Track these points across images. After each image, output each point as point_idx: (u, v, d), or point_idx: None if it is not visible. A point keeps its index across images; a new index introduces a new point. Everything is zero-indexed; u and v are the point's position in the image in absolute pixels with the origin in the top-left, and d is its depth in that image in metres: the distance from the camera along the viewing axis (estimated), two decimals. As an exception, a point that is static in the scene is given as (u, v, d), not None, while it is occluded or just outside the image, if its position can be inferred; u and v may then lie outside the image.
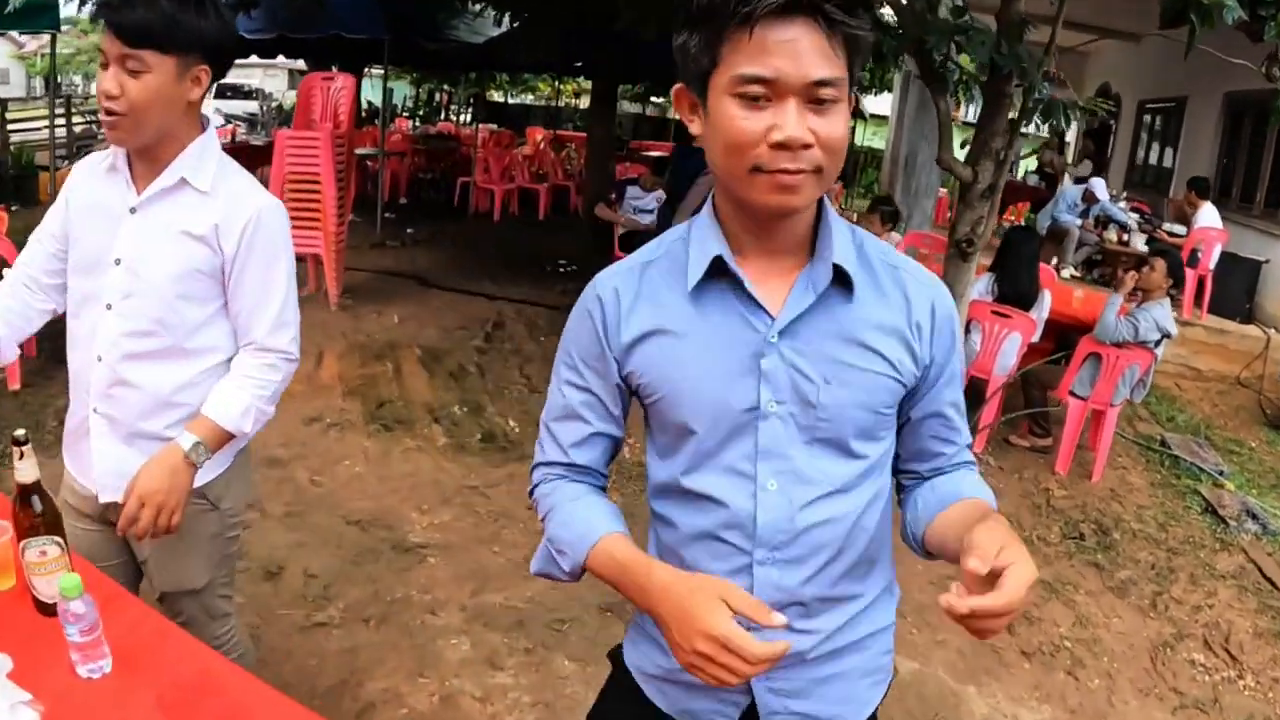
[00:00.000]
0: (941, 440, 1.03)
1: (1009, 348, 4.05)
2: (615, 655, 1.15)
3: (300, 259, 5.48)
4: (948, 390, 1.01)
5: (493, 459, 3.60)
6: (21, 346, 1.51)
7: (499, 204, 9.48)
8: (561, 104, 21.28)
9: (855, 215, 6.40)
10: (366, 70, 12.78)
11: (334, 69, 12.19)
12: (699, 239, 0.95)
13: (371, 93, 14.29)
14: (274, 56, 10.48)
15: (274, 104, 14.59)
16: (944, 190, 8.88)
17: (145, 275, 1.35)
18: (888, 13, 3.66)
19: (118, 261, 1.36)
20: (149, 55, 1.24)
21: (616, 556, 0.92)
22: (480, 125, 13.43)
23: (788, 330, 0.91)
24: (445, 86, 18.61)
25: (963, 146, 3.59)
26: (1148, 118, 10.07)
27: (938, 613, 2.78)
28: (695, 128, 0.91)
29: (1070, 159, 11.01)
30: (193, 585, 1.52)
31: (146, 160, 1.36)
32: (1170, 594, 3.13)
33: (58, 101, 8.38)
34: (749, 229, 0.93)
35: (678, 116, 1.06)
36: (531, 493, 1.07)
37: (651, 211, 5.65)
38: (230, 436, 1.40)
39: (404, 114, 17.78)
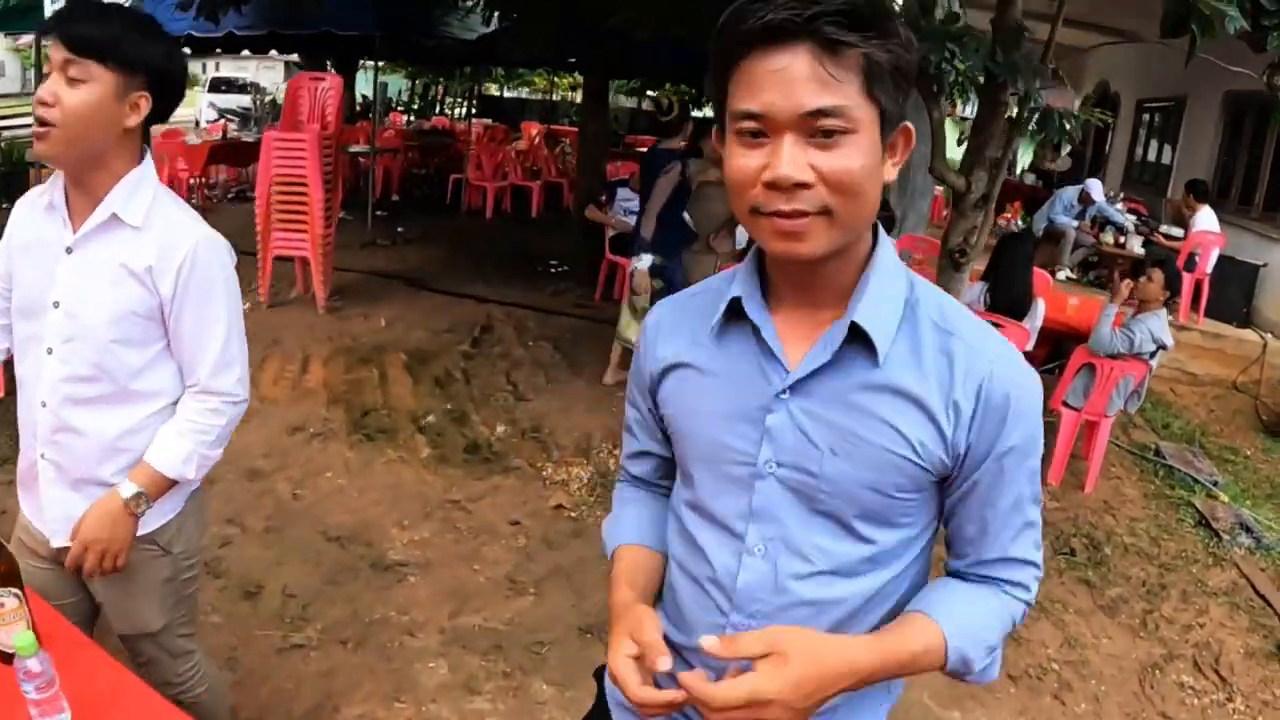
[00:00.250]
0: (971, 542, 0.87)
1: (1002, 357, 4.00)
2: (599, 675, 1.12)
3: (288, 260, 5.45)
4: (997, 495, 0.84)
5: (475, 471, 3.55)
6: None
7: (491, 202, 9.41)
8: (557, 98, 21.16)
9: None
10: (361, 63, 12.70)
11: (328, 63, 12.17)
12: (736, 278, 0.91)
13: (365, 86, 14.19)
14: (266, 52, 10.39)
15: (268, 98, 14.46)
16: (940, 189, 8.82)
17: (83, 318, 1.31)
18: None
19: (56, 304, 1.31)
20: (92, 65, 1.21)
21: (613, 570, 1.00)
22: (475, 120, 13.35)
23: (800, 388, 0.84)
24: (440, 80, 18.48)
25: (959, 144, 3.52)
26: (1147, 116, 10.00)
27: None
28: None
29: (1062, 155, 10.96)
30: (148, 629, 1.49)
31: (81, 194, 1.31)
32: (1161, 612, 3.08)
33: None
34: (782, 275, 0.87)
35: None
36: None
37: (643, 214, 5.59)
38: (173, 484, 1.36)
39: (398, 108, 17.66)
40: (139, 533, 1.40)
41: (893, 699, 0.97)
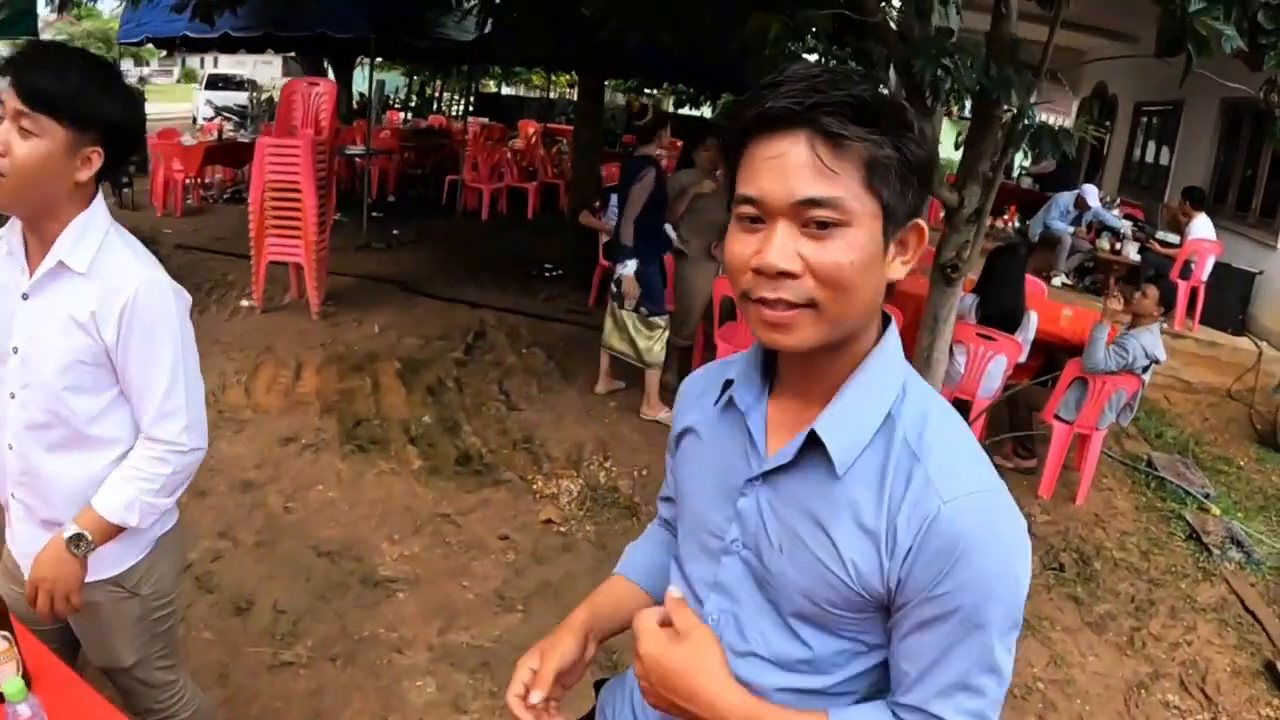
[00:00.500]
0: (900, 678, 0.79)
1: (994, 370, 4.01)
2: (597, 686, 1.15)
3: (282, 265, 5.44)
4: (925, 644, 0.76)
5: (466, 484, 3.55)
6: None
7: (487, 203, 9.40)
8: (555, 95, 21.11)
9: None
10: (358, 60, 12.66)
11: (324, 61, 12.13)
12: (740, 359, 0.92)
13: (362, 83, 14.13)
14: (262, 51, 10.36)
15: (264, 96, 14.40)
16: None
17: (36, 366, 1.30)
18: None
19: (15, 350, 1.31)
20: (45, 120, 1.19)
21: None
22: (472, 118, 13.31)
23: (769, 479, 0.84)
24: (438, 78, 18.43)
25: (956, 148, 3.52)
26: (1144, 119, 9.99)
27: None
28: None
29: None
30: (120, 665, 1.50)
31: (36, 240, 1.30)
32: (1149, 629, 3.09)
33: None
34: (780, 359, 0.87)
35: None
36: None
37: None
38: (118, 529, 1.35)
39: (395, 106, 17.60)
40: (106, 575, 1.41)
41: None
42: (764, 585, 0.85)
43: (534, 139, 12.32)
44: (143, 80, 27.41)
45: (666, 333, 4.29)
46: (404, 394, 4.39)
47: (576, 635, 0.98)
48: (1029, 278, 4.81)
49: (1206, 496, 4.21)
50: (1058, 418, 3.97)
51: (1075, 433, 3.99)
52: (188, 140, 8.47)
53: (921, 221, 0.80)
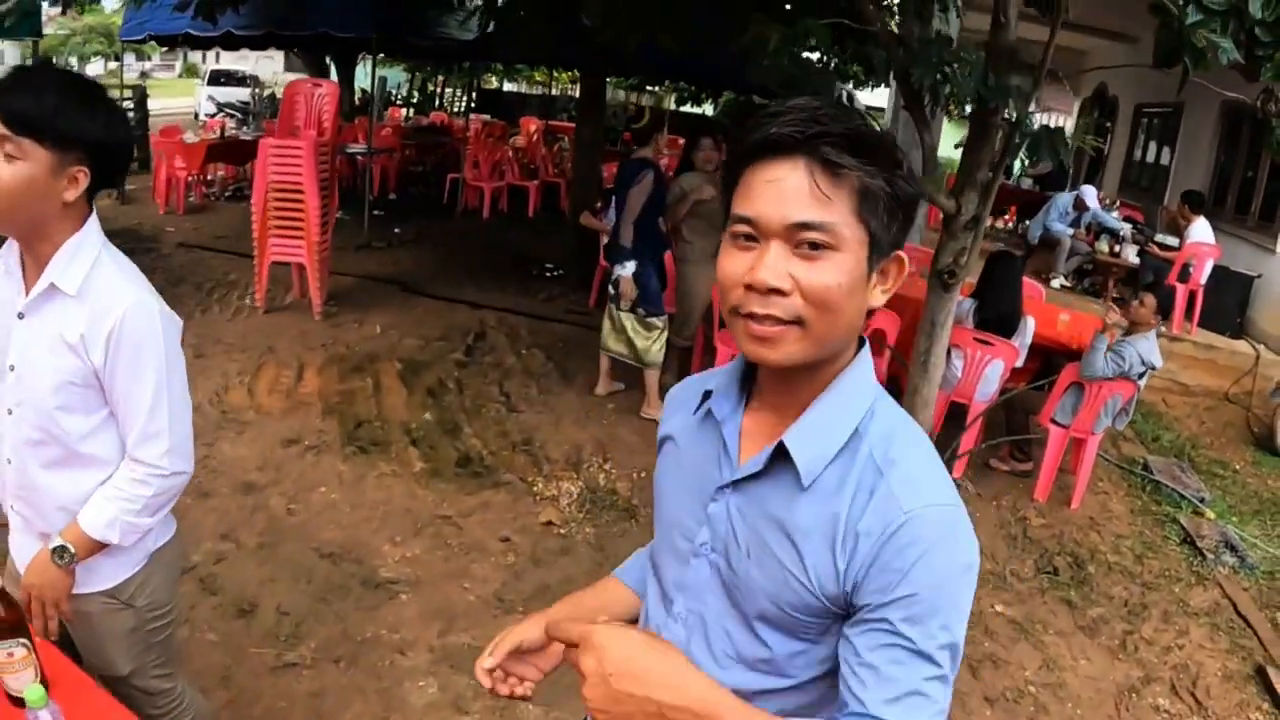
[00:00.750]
0: (856, 686, 0.78)
1: (991, 374, 4.04)
2: None
3: (284, 265, 5.47)
4: (874, 647, 0.77)
5: (466, 486, 3.58)
6: None
7: (488, 202, 9.41)
8: (556, 92, 21.09)
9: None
10: (360, 57, 12.66)
11: (326, 58, 12.13)
12: (722, 371, 0.96)
13: (364, 80, 14.14)
14: (264, 49, 10.37)
15: (266, 92, 14.41)
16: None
17: (30, 385, 1.33)
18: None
19: (12, 368, 1.34)
20: (26, 143, 1.20)
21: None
22: (473, 115, 13.30)
23: (740, 486, 0.88)
24: (439, 74, 18.41)
25: (957, 147, 3.54)
26: (1145, 121, 10.00)
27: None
28: None
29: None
30: (115, 673, 1.52)
31: (32, 259, 1.32)
32: (1141, 633, 3.13)
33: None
34: (760, 372, 0.91)
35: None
36: None
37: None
38: (101, 545, 1.38)
39: (397, 102, 17.58)
40: (100, 587, 1.44)
41: None
42: (730, 588, 0.88)
43: (535, 137, 12.32)
44: (144, 75, 27.39)
45: (665, 334, 4.32)
46: (405, 395, 4.42)
47: (548, 617, 1.03)
48: (1027, 280, 4.84)
49: (1201, 500, 4.24)
50: (1054, 422, 4.00)
51: (1071, 437, 4.02)
52: (190, 138, 8.49)
53: (903, 254, 0.84)
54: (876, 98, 14.49)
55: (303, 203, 5.08)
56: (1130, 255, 7.14)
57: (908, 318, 4.30)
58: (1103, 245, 7.40)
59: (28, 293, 1.32)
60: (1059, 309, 5.01)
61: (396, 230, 7.98)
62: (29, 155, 1.21)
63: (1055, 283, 7.27)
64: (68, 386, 1.31)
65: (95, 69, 27.48)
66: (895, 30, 3.49)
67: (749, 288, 0.79)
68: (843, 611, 0.81)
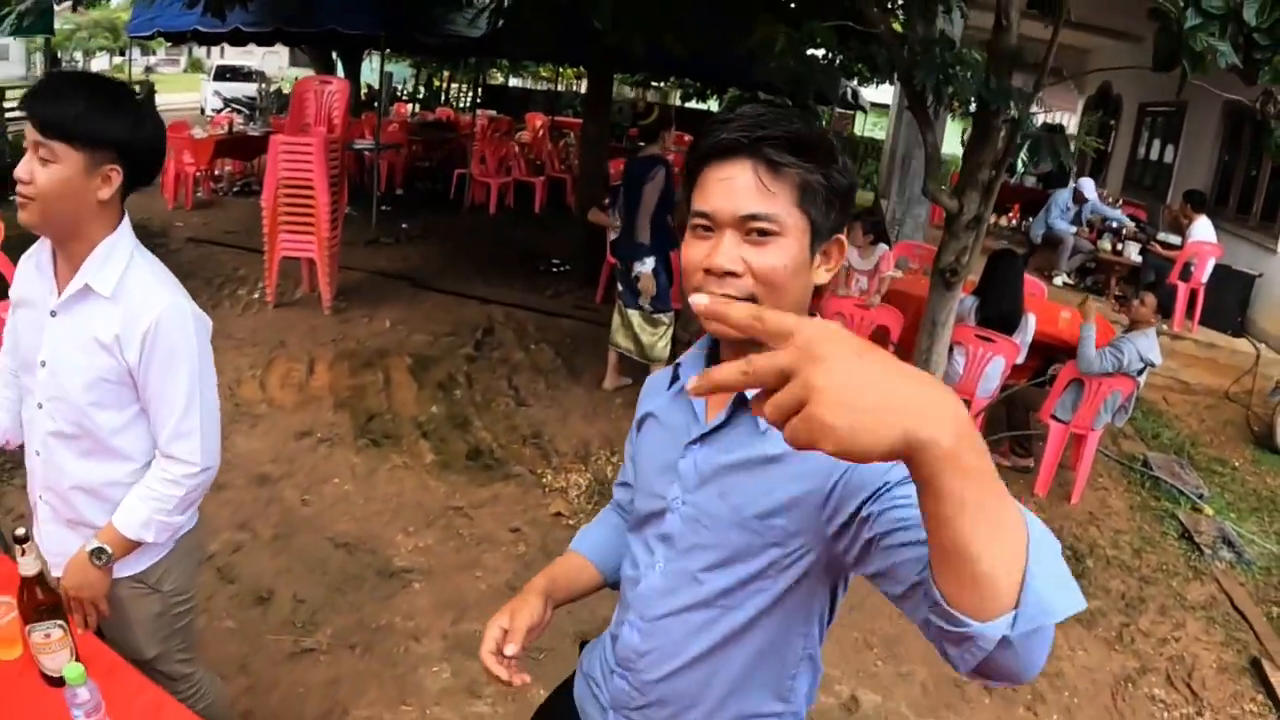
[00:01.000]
0: (915, 556, 0.73)
1: (992, 371, 4.09)
2: (581, 645, 1.32)
3: (294, 260, 5.53)
4: (908, 514, 0.76)
5: (477, 478, 3.65)
6: None
7: (495, 197, 9.46)
8: (563, 87, 21.11)
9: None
10: (366, 53, 12.71)
11: (333, 54, 12.17)
12: (692, 350, 1.09)
13: (371, 75, 14.19)
14: (272, 45, 10.42)
15: (273, 87, 14.45)
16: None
17: (63, 380, 1.38)
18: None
19: (44, 363, 1.39)
20: (58, 146, 1.26)
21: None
22: (480, 111, 13.34)
23: (706, 440, 0.99)
24: (445, 70, 18.43)
25: (962, 143, 3.59)
26: (1149, 119, 10.02)
27: (905, 645, 2.85)
28: None
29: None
30: (141, 657, 1.58)
31: (65, 258, 1.37)
32: (1138, 626, 3.19)
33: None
34: (723, 347, 1.02)
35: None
36: None
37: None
38: (135, 545, 1.43)
39: (403, 98, 17.61)
40: (128, 572, 1.50)
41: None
42: (700, 529, 0.99)
43: (541, 132, 12.36)
44: (149, 70, 27.42)
45: (671, 329, 4.39)
46: (415, 390, 4.49)
47: (540, 598, 1.13)
48: (1029, 278, 4.89)
49: (1200, 497, 4.30)
50: (1054, 418, 4.06)
51: (1071, 433, 4.07)
52: (198, 133, 8.55)
53: (842, 237, 0.96)
54: (882, 94, 14.49)
55: (313, 199, 5.14)
56: (1132, 253, 7.18)
57: (910, 315, 4.36)
58: (1105, 243, 7.45)
59: (59, 291, 1.36)
60: (1060, 306, 5.06)
61: (404, 225, 8.04)
62: (62, 158, 1.27)
63: (1058, 280, 7.32)
64: (101, 383, 1.36)
65: (100, 64, 27.53)
66: (899, 31, 3.54)
67: (707, 271, 0.91)
68: (822, 530, 0.88)
